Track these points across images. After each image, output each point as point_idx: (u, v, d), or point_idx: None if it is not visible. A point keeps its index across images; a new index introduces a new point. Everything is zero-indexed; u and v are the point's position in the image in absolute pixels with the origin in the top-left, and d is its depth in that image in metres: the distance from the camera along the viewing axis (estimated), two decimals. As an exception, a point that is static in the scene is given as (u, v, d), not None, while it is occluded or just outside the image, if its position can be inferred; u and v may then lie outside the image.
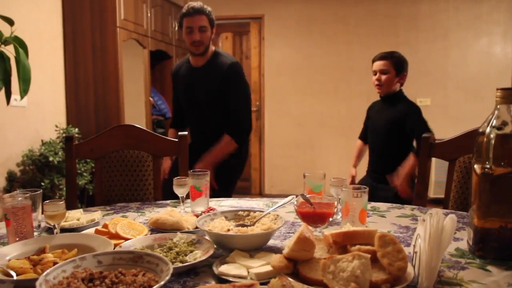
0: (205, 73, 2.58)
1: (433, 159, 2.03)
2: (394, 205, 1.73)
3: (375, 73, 2.68)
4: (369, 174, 2.82)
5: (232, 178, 2.69)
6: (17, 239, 1.24)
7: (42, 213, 1.35)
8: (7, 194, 1.32)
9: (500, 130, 1.08)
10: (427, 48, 5.21)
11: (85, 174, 3.36)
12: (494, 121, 1.10)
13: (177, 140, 2.10)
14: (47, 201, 1.29)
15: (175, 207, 1.74)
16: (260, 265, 1.04)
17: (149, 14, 4.22)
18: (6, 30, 1.74)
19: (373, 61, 2.72)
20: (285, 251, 1.00)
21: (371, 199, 1.50)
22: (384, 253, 0.95)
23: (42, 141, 3.35)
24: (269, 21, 5.57)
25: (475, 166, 1.12)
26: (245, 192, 5.70)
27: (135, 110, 4.16)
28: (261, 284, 0.87)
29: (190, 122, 2.76)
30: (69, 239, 1.24)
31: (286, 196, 1.47)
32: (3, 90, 1.69)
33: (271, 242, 1.27)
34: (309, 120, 5.56)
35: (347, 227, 1.09)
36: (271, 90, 5.66)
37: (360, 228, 1.09)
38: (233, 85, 2.52)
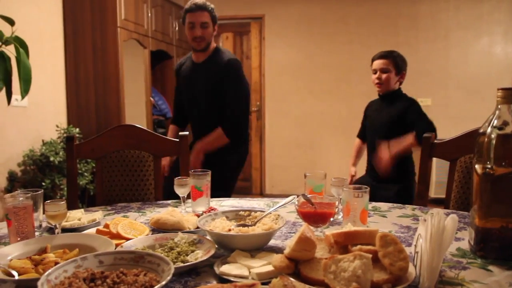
0: (205, 69, 2.60)
1: (434, 159, 2.03)
2: (395, 205, 1.73)
3: (375, 71, 2.69)
4: (368, 173, 2.83)
5: (231, 177, 2.69)
6: (19, 239, 1.24)
7: (43, 213, 1.35)
8: (8, 194, 1.32)
9: (501, 130, 1.08)
10: (428, 48, 5.21)
11: (86, 174, 3.36)
12: (495, 121, 1.09)
13: (178, 140, 2.11)
14: (48, 201, 1.29)
15: (176, 207, 1.74)
16: (261, 265, 1.04)
17: (149, 14, 4.22)
18: (7, 30, 1.74)
19: (373, 60, 2.73)
20: (286, 251, 1.00)
21: (371, 198, 1.50)
22: (385, 253, 0.95)
23: (43, 141, 3.35)
24: (269, 21, 5.57)
25: (476, 166, 1.12)
26: (246, 192, 5.70)
27: (136, 110, 4.16)
28: (263, 284, 0.87)
29: (191, 118, 2.78)
30: (70, 239, 1.24)
31: (286, 196, 1.47)
32: (4, 90, 1.69)
33: (272, 242, 1.27)
34: (310, 120, 5.56)
35: (348, 227, 1.09)
36: (271, 90, 5.66)
37: (361, 228, 1.09)
38: (230, 81, 2.53)
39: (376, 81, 2.68)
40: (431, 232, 0.98)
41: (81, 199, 3.42)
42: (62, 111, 3.73)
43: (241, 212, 1.38)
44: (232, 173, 2.68)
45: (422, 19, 5.21)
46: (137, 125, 2.14)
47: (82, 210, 1.64)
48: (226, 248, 1.19)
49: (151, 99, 4.46)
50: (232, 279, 0.99)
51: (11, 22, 1.70)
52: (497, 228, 1.10)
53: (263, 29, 5.59)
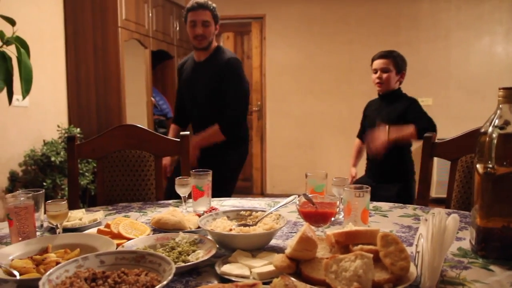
0: (206, 68, 2.61)
1: (435, 159, 2.03)
2: (396, 204, 1.73)
3: (375, 71, 2.69)
4: (367, 174, 2.82)
5: (231, 178, 2.69)
6: (20, 239, 1.25)
7: (45, 213, 1.35)
8: (9, 194, 1.32)
9: (503, 129, 1.08)
10: (428, 47, 5.20)
11: (87, 174, 3.36)
12: (497, 121, 1.09)
13: (178, 140, 2.11)
14: (50, 201, 1.29)
15: (177, 207, 1.75)
16: (262, 265, 1.04)
17: (150, 14, 4.22)
18: (8, 30, 1.74)
19: (373, 59, 2.74)
20: (287, 251, 1.00)
21: (372, 198, 1.50)
22: (386, 252, 0.95)
23: (44, 141, 3.36)
24: (270, 21, 5.57)
25: (477, 165, 1.12)
26: (247, 192, 5.70)
27: (137, 110, 4.16)
28: (264, 283, 0.87)
29: (192, 118, 2.79)
30: (71, 239, 1.24)
31: (287, 196, 1.47)
32: (5, 90, 1.69)
33: (273, 242, 1.27)
34: (311, 120, 5.56)
35: (349, 227, 1.09)
36: (272, 90, 5.66)
37: (362, 228, 1.09)
38: (229, 80, 2.53)
39: (377, 80, 2.68)
40: (432, 232, 0.97)
41: (82, 199, 3.42)
42: (63, 111, 3.73)
43: (242, 212, 1.38)
44: (232, 173, 2.68)
45: (423, 19, 5.21)
46: (138, 125, 2.14)
47: (83, 210, 1.64)
48: (227, 248, 1.19)
49: (152, 99, 4.47)
50: (233, 279, 0.99)
51: (12, 22, 1.70)
52: (498, 227, 1.10)
53: (264, 29, 5.59)
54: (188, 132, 2.16)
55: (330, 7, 5.40)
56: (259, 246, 1.19)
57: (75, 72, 3.74)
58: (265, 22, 5.58)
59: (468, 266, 1.07)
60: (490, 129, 1.09)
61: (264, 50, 5.63)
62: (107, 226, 1.30)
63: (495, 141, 1.07)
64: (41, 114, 3.42)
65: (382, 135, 2.53)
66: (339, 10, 5.38)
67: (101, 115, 3.74)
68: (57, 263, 1.03)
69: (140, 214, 1.66)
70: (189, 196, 1.67)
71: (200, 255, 1.11)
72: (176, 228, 1.34)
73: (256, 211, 1.38)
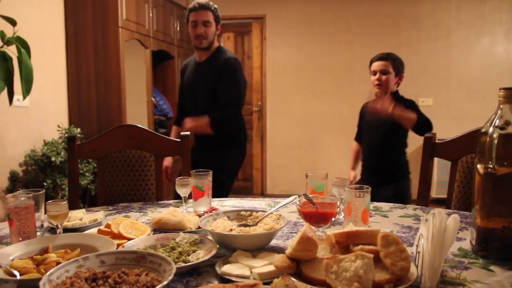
0: (206, 68, 2.62)
1: (435, 159, 2.03)
2: (396, 205, 1.73)
3: (374, 73, 2.69)
4: (363, 177, 2.83)
5: (228, 177, 2.69)
6: (20, 239, 1.25)
7: (45, 213, 1.36)
8: (10, 194, 1.32)
9: (503, 130, 1.08)
10: (429, 47, 5.20)
11: (87, 174, 3.36)
12: (497, 121, 1.09)
13: (179, 140, 2.11)
14: (50, 201, 1.29)
15: (178, 207, 1.75)
16: (263, 265, 1.04)
17: (151, 14, 4.22)
18: (9, 30, 1.74)
19: (372, 61, 2.74)
20: (288, 251, 1.00)
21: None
22: (387, 253, 0.95)
23: (44, 141, 3.36)
24: (270, 21, 5.57)
25: (478, 166, 1.12)
26: (247, 192, 5.70)
27: (137, 110, 4.16)
28: (264, 284, 0.87)
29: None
30: (72, 239, 1.24)
31: (288, 196, 1.47)
32: (5, 90, 1.69)
33: (273, 242, 1.27)
34: (311, 120, 5.56)
35: (350, 227, 1.09)
36: (273, 90, 5.66)
37: (363, 228, 1.09)
38: (225, 78, 2.54)
39: (376, 82, 2.68)
40: (432, 232, 0.97)
41: (82, 199, 3.42)
42: (63, 111, 3.73)
43: (243, 212, 1.38)
44: (229, 173, 2.68)
45: (424, 19, 5.20)
46: (138, 125, 2.14)
47: (84, 210, 1.65)
48: (227, 248, 1.19)
49: (152, 99, 4.47)
50: (233, 279, 0.99)
51: (12, 22, 1.70)
52: (499, 228, 1.09)
53: (264, 29, 5.59)
54: (188, 133, 2.15)
55: (330, 7, 5.40)
56: (260, 246, 1.19)
57: (75, 72, 3.74)
58: (265, 22, 5.58)
59: (469, 267, 1.07)
60: (491, 129, 1.09)
61: (264, 50, 5.63)
62: (108, 226, 1.30)
63: (495, 141, 1.07)
64: (41, 114, 3.43)
65: (387, 103, 2.51)
66: (339, 10, 5.38)
67: (101, 115, 3.75)
68: (58, 263, 1.03)
69: (140, 214, 1.66)
70: (190, 196, 1.67)
71: (200, 255, 1.11)
72: (177, 228, 1.34)
73: (257, 211, 1.38)
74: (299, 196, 1.36)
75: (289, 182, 5.61)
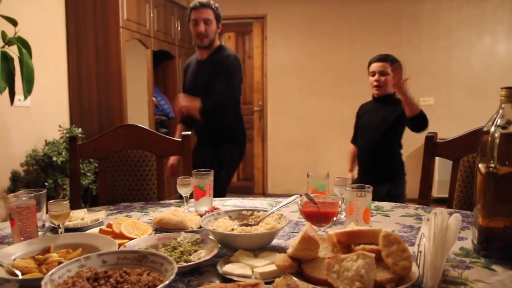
0: (206, 66, 2.64)
1: (437, 159, 2.03)
2: (398, 204, 1.73)
3: (373, 74, 2.71)
4: (360, 176, 2.83)
5: (226, 175, 2.70)
6: (22, 238, 1.25)
7: (47, 213, 1.36)
8: (11, 194, 1.33)
9: (505, 129, 1.08)
10: (430, 46, 5.19)
11: (88, 174, 3.36)
12: (499, 120, 1.09)
13: (180, 140, 2.11)
14: (52, 201, 1.29)
15: (179, 206, 1.75)
16: (264, 265, 1.04)
17: (151, 14, 4.23)
18: (10, 31, 1.74)
19: (370, 62, 2.76)
20: (289, 251, 1.01)
21: None
22: (388, 252, 0.95)
23: (45, 141, 3.36)
24: (271, 21, 5.56)
25: (480, 165, 1.12)
26: (248, 192, 5.70)
27: (138, 110, 4.17)
28: (266, 283, 0.87)
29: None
30: (73, 238, 1.24)
31: (289, 195, 1.47)
32: (7, 91, 1.69)
33: (275, 242, 1.27)
34: (312, 120, 5.56)
35: (351, 227, 1.09)
36: (273, 90, 5.66)
37: (364, 228, 1.09)
38: (222, 72, 2.56)
39: (375, 83, 2.69)
40: (434, 232, 0.97)
41: (83, 199, 3.42)
42: (64, 111, 3.74)
43: (244, 212, 1.38)
44: (226, 171, 2.70)
45: (425, 18, 5.20)
46: (139, 125, 2.14)
47: (85, 210, 1.65)
48: (229, 247, 1.19)
49: (153, 99, 4.47)
50: (235, 278, 0.99)
51: (14, 22, 1.71)
52: (500, 227, 1.09)
53: (265, 28, 5.59)
54: (189, 132, 2.16)
55: (331, 7, 5.39)
56: (261, 246, 1.19)
57: (76, 72, 3.74)
58: (266, 22, 5.58)
59: (470, 266, 1.06)
60: (492, 129, 1.09)
61: (265, 50, 5.63)
62: (109, 226, 1.30)
63: (497, 140, 1.07)
64: (42, 114, 3.43)
65: (399, 76, 2.46)
66: (340, 9, 5.38)
67: (102, 115, 3.75)
68: (59, 262, 1.03)
69: (142, 214, 1.66)
70: (191, 196, 1.67)
71: (202, 255, 1.11)
72: (178, 228, 1.35)
73: (258, 211, 1.38)
74: (300, 196, 1.36)
75: (290, 181, 5.60)
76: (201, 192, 1.61)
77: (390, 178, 2.69)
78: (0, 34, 1.73)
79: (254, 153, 5.77)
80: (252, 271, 1.01)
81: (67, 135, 3.42)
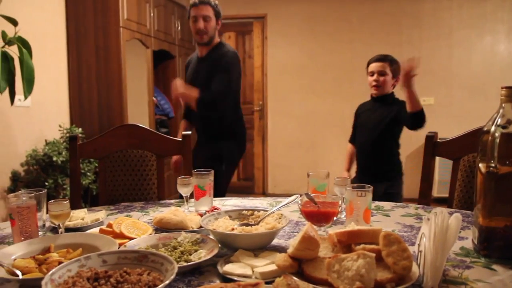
0: (206, 62, 2.66)
1: (437, 158, 2.03)
2: (398, 204, 1.73)
3: (372, 74, 2.72)
4: (358, 175, 2.84)
5: (225, 171, 2.70)
6: (22, 238, 1.25)
7: (47, 213, 1.36)
8: (12, 194, 1.33)
9: (505, 128, 1.08)
10: (431, 46, 5.19)
11: (88, 173, 3.36)
12: (499, 120, 1.09)
13: (180, 139, 2.11)
14: (52, 201, 1.29)
15: (179, 206, 1.75)
16: (264, 264, 1.04)
17: (152, 14, 4.23)
18: (10, 31, 1.74)
19: (369, 63, 2.77)
20: (289, 250, 1.00)
21: None
22: (389, 252, 0.95)
23: (45, 141, 3.36)
24: (272, 21, 5.56)
25: (480, 165, 1.12)
26: (248, 192, 5.70)
27: (138, 110, 4.17)
28: (266, 283, 0.87)
29: (194, 113, 2.81)
30: (73, 238, 1.24)
31: (289, 195, 1.47)
32: (7, 90, 1.70)
33: (275, 241, 1.27)
34: (312, 119, 5.56)
35: (352, 226, 1.09)
36: (274, 90, 5.66)
37: (365, 227, 1.09)
38: (220, 69, 2.56)
39: (374, 83, 2.70)
40: (434, 231, 0.97)
41: (84, 198, 3.42)
42: (65, 111, 3.74)
43: (244, 212, 1.38)
44: (226, 167, 2.71)
45: (425, 18, 5.20)
46: (139, 125, 2.14)
47: (85, 209, 1.65)
48: (229, 247, 1.19)
49: (154, 98, 4.47)
50: (235, 278, 0.99)
51: (14, 22, 1.71)
52: (501, 227, 1.09)
53: (266, 28, 5.59)
54: (190, 132, 2.16)
55: (331, 6, 5.39)
56: (261, 246, 1.19)
57: (77, 72, 3.74)
58: (266, 22, 5.58)
59: (471, 266, 1.06)
60: (493, 128, 1.09)
61: (265, 49, 5.63)
62: (109, 225, 1.30)
63: (497, 140, 1.07)
64: (43, 114, 3.43)
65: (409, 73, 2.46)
66: (340, 9, 5.38)
67: (102, 115, 3.75)
68: (60, 262, 1.03)
69: (142, 214, 1.66)
70: (191, 196, 1.67)
71: (202, 255, 1.11)
72: (178, 227, 1.35)
73: (258, 211, 1.38)
74: (300, 196, 1.36)
75: (290, 181, 5.60)
76: (201, 192, 1.61)
77: (388, 177, 2.70)
78: (0, 34, 1.73)
79: (254, 153, 5.77)
80: (253, 271, 1.01)
81: (67, 135, 3.42)
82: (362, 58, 5.14)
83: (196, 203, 1.63)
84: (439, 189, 4.72)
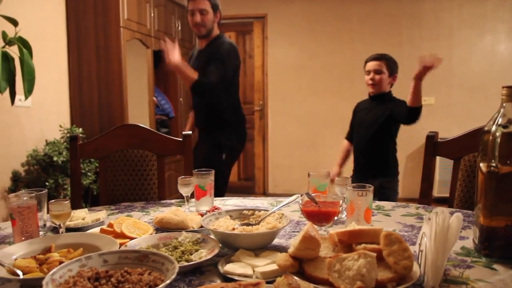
0: (204, 54, 2.70)
1: (438, 158, 2.03)
2: (399, 203, 1.73)
3: (368, 72, 2.76)
4: (355, 173, 2.86)
5: (224, 162, 2.73)
6: (23, 238, 1.25)
7: (48, 213, 1.36)
8: (12, 194, 1.33)
9: (506, 128, 1.07)
10: (431, 46, 5.18)
11: (89, 173, 3.37)
12: (500, 119, 1.09)
13: (181, 139, 2.11)
14: (53, 201, 1.29)
15: (180, 206, 1.75)
16: (265, 264, 1.04)
17: (152, 14, 4.23)
18: (11, 31, 1.74)
19: (366, 61, 2.82)
20: (290, 250, 1.00)
21: None
22: (389, 251, 0.95)
23: (46, 141, 3.36)
24: (272, 20, 5.56)
25: (481, 164, 1.12)
26: (249, 192, 5.70)
27: (139, 110, 4.16)
28: (267, 283, 0.87)
29: (195, 106, 2.88)
30: (74, 238, 1.24)
31: (289, 195, 1.47)
32: (7, 91, 1.70)
33: (276, 241, 1.27)
34: (313, 119, 5.56)
35: (352, 226, 1.09)
36: (274, 89, 5.66)
37: (366, 227, 1.09)
38: (215, 57, 2.59)
39: (370, 82, 2.75)
40: (435, 231, 0.97)
41: (84, 198, 3.42)
42: (65, 111, 3.74)
43: (245, 211, 1.38)
44: (225, 157, 2.73)
45: (425, 18, 5.19)
46: (140, 125, 2.14)
47: (86, 209, 1.65)
48: (230, 247, 1.19)
49: (154, 98, 4.47)
50: (236, 278, 0.99)
51: (14, 22, 1.71)
52: (502, 226, 1.09)
53: (266, 28, 5.59)
54: (190, 132, 2.16)
55: (332, 6, 5.39)
56: (262, 245, 1.19)
57: (77, 72, 3.74)
58: (267, 22, 5.58)
59: (471, 265, 1.06)
60: (494, 128, 1.09)
61: (266, 49, 5.63)
62: (110, 225, 1.30)
63: (498, 139, 1.07)
64: (43, 114, 3.43)
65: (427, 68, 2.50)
66: (341, 9, 5.37)
67: (103, 115, 3.75)
68: (60, 262, 1.03)
69: (142, 214, 1.66)
70: (192, 196, 1.67)
71: (203, 254, 1.11)
72: (179, 227, 1.35)
73: (259, 210, 1.38)
74: (301, 195, 1.36)
75: (291, 181, 5.60)
76: (202, 192, 1.61)
77: (383, 174, 2.74)
78: (0, 34, 1.74)
79: (254, 153, 5.77)
80: (253, 271, 1.01)
81: (68, 135, 3.43)
82: (362, 58, 5.10)
83: (197, 203, 1.63)
84: (439, 189, 4.71)
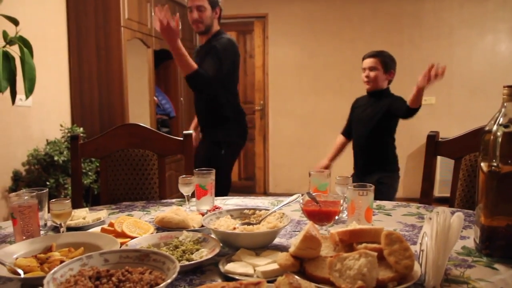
0: (204, 50, 2.71)
1: (438, 158, 2.03)
2: (399, 203, 1.73)
3: (364, 70, 2.80)
4: (355, 170, 2.89)
5: (225, 155, 2.73)
6: (24, 237, 1.25)
7: (49, 212, 1.36)
8: (13, 193, 1.33)
9: (507, 128, 1.07)
10: (431, 45, 5.18)
11: (90, 173, 3.37)
12: (501, 119, 1.09)
13: (181, 139, 2.11)
14: (54, 200, 1.29)
15: (181, 205, 1.75)
16: (266, 263, 1.04)
17: (153, 14, 4.22)
18: (11, 30, 1.74)
19: (363, 59, 2.84)
20: (291, 249, 1.00)
21: None
22: (390, 251, 0.95)
23: (47, 140, 3.36)
24: (273, 20, 5.56)
25: (482, 164, 1.12)
26: (250, 191, 5.70)
27: (140, 110, 4.16)
28: (268, 282, 0.87)
29: (196, 103, 2.88)
30: (75, 237, 1.24)
31: (290, 195, 1.47)
32: (8, 90, 1.69)
33: (277, 241, 1.27)
34: (313, 119, 5.55)
35: (353, 225, 1.09)
36: (275, 89, 5.66)
37: (366, 226, 1.09)
38: (212, 51, 2.59)
39: (365, 79, 2.79)
40: (436, 230, 0.97)
41: (85, 198, 3.42)
42: (66, 111, 3.74)
43: (246, 211, 1.38)
44: (226, 148, 2.74)
45: (426, 17, 5.19)
46: (141, 124, 2.15)
47: (87, 209, 1.65)
48: (231, 246, 1.19)
49: (155, 98, 4.47)
50: (237, 277, 0.99)
51: (15, 22, 1.71)
52: (503, 226, 1.09)
53: (267, 28, 5.59)
54: (191, 131, 2.16)
55: (332, 6, 5.39)
56: (263, 245, 1.19)
57: (78, 71, 3.74)
58: (267, 21, 5.58)
59: (473, 265, 1.06)
60: (495, 128, 1.09)
61: (266, 49, 5.62)
62: (111, 225, 1.31)
63: (499, 139, 1.07)
64: (44, 114, 3.43)
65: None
66: (341, 8, 5.37)
67: (104, 114, 3.75)
68: (61, 261, 1.03)
69: (143, 213, 1.66)
70: (193, 195, 1.67)
71: (204, 254, 1.11)
72: (180, 226, 1.35)
73: (260, 210, 1.38)
74: (302, 195, 1.36)
75: (291, 181, 5.60)
76: (203, 191, 1.61)
77: (382, 169, 2.75)
78: (1, 34, 1.73)
79: (255, 153, 5.76)
80: (254, 270, 1.01)
81: (69, 134, 3.43)
82: (363, 57, 5.16)
83: (198, 202, 1.63)
84: (440, 189, 4.71)
